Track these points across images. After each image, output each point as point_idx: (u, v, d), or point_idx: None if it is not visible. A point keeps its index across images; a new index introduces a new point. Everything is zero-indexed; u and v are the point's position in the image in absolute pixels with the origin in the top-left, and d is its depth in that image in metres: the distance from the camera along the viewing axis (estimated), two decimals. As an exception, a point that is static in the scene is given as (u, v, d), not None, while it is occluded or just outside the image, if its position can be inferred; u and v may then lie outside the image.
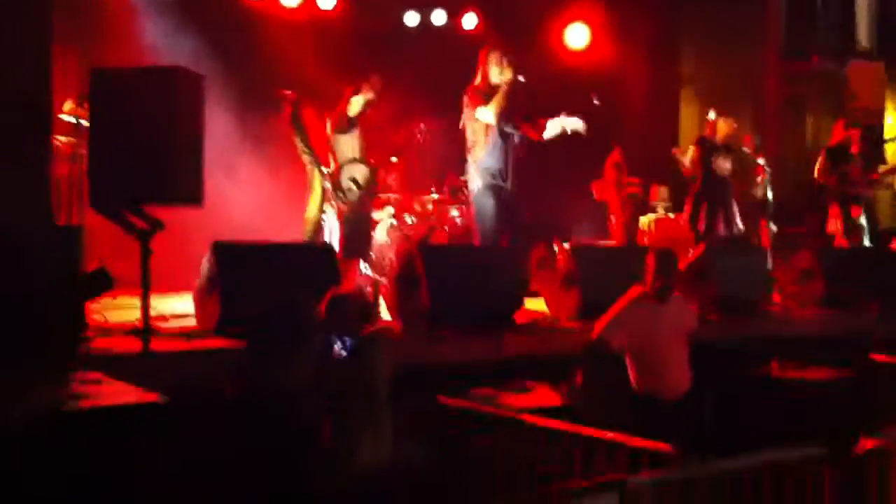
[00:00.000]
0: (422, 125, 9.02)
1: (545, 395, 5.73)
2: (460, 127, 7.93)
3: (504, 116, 7.73)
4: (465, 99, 7.81)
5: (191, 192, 5.59)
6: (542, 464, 4.60)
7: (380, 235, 9.55)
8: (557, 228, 11.22)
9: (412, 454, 4.10)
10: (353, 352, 3.95)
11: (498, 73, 7.73)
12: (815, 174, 10.52)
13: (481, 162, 7.77)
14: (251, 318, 3.98)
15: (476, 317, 6.71)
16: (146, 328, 5.49)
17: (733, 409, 6.38)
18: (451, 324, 6.59)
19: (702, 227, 9.75)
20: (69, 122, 8.22)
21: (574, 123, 7.79)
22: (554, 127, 7.82)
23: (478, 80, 7.83)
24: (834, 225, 10.51)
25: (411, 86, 10.74)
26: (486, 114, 7.70)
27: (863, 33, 15.61)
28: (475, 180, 7.83)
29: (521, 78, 7.69)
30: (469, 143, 7.87)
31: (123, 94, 5.31)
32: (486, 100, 7.71)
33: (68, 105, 8.38)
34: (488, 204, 7.76)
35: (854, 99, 14.19)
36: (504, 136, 7.78)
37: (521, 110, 7.88)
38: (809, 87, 15.06)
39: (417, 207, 10.15)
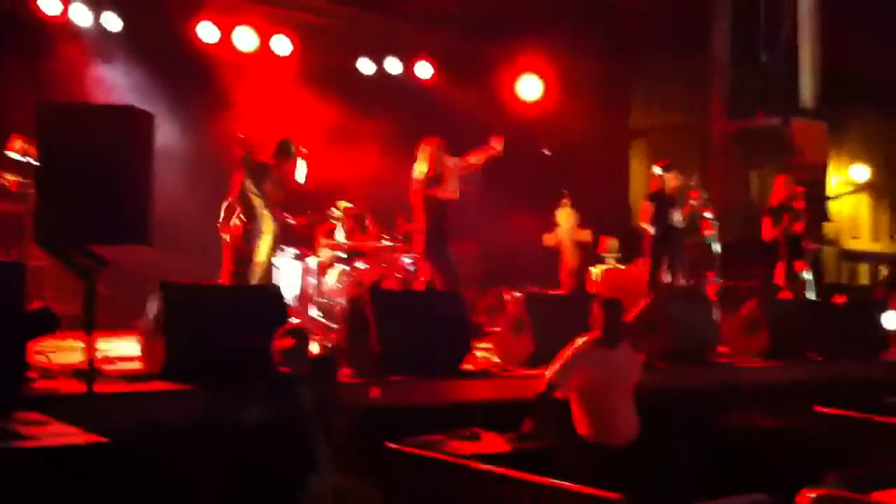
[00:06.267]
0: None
1: (494, 443, 5.71)
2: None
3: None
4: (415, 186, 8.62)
5: (139, 232, 5.50)
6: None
7: (331, 281, 9.51)
8: (506, 277, 11.27)
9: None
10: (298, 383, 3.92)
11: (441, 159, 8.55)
12: (762, 233, 10.69)
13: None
14: (215, 361, 3.92)
15: (425, 362, 6.69)
16: (91, 369, 5.38)
17: (681, 457, 6.41)
18: (401, 369, 6.58)
19: (664, 278, 9.89)
20: (17, 160, 8.09)
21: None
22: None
23: (425, 168, 8.57)
24: (781, 278, 10.68)
25: (367, 131, 10.82)
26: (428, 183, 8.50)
27: (806, 92, 15.97)
28: None
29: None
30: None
31: (72, 130, 5.21)
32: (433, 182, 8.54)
33: (17, 143, 8.25)
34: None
35: (800, 154, 14.48)
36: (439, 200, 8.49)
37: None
38: (755, 143, 15.36)
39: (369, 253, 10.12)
